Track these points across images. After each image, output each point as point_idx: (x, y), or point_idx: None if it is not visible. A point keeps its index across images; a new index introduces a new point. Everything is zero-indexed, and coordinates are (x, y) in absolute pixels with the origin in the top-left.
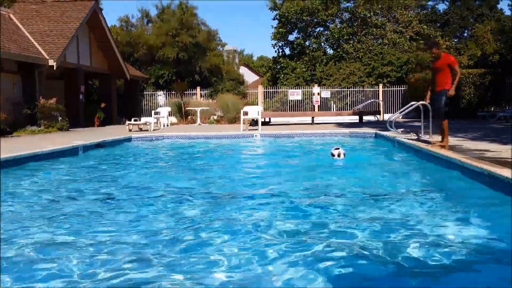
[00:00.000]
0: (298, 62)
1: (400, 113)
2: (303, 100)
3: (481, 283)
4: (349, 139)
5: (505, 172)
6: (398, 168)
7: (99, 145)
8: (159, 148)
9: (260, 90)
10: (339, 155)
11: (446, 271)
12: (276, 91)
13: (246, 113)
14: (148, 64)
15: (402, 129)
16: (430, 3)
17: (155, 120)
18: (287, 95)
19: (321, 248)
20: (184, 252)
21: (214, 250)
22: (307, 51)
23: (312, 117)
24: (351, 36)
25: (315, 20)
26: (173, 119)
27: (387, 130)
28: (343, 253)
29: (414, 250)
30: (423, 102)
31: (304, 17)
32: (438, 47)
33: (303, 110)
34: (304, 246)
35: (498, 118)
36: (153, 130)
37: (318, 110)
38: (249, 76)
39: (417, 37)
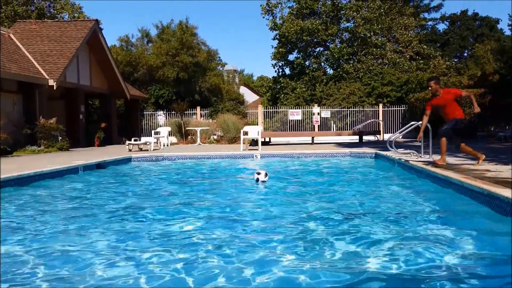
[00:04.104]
0: (298, 82)
1: (400, 133)
2: (303, 120)
3: None
4: (349, 159)
5: (505, 192)
6: (399, 188)
7: (99, 166)
8: (159, 168)
9: (260, 110)
10: (263, 177)
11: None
12: (276, 111)
13: (246, 133)
14: (148, 84)
15: (402, 149)
16: (430, 23)
17: (155, 140)
18: (287, 115)
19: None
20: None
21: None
22: (307, 71)
23: (312, 137)
24: (351, 56)
25: (315, 40)
26: (173, 139)
27: (387, 150)
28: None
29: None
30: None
31: (304, 37)
32: (437, 82)
33: (303, 130)
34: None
35: (498, 138)
36: (153, 150)
37: (318, 130)
38: (249, 96)
39: (417, 57)
